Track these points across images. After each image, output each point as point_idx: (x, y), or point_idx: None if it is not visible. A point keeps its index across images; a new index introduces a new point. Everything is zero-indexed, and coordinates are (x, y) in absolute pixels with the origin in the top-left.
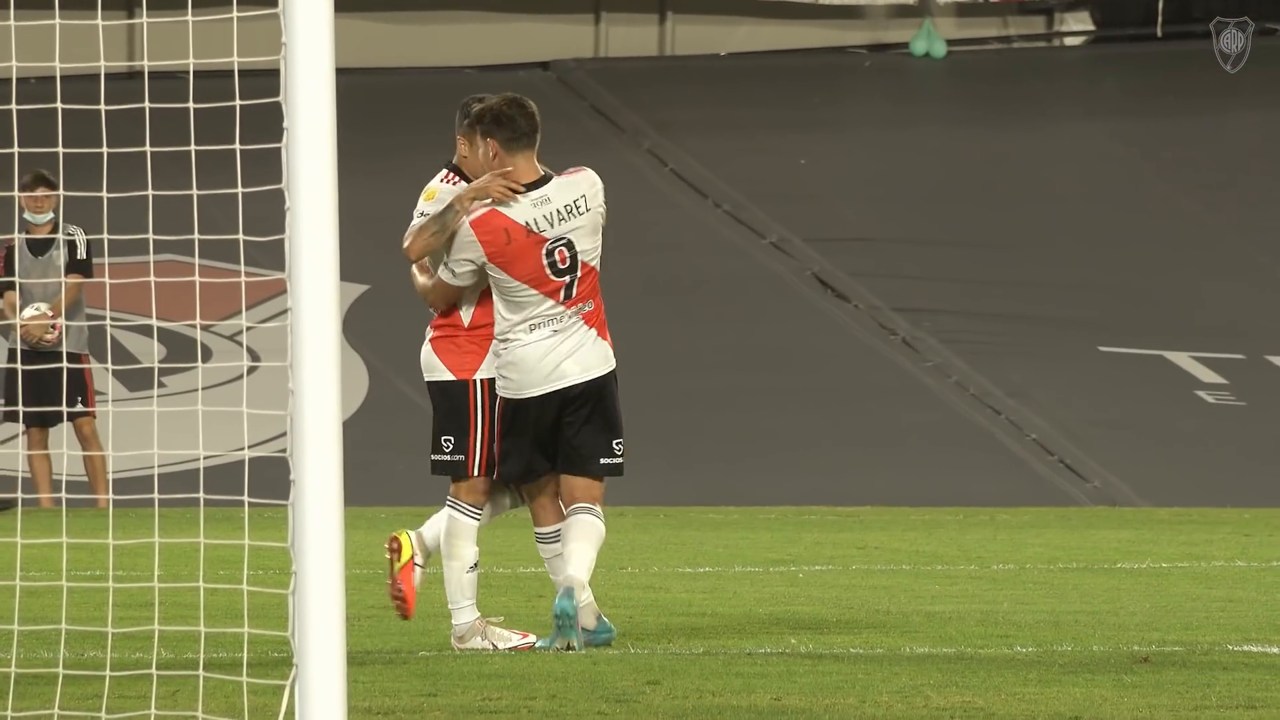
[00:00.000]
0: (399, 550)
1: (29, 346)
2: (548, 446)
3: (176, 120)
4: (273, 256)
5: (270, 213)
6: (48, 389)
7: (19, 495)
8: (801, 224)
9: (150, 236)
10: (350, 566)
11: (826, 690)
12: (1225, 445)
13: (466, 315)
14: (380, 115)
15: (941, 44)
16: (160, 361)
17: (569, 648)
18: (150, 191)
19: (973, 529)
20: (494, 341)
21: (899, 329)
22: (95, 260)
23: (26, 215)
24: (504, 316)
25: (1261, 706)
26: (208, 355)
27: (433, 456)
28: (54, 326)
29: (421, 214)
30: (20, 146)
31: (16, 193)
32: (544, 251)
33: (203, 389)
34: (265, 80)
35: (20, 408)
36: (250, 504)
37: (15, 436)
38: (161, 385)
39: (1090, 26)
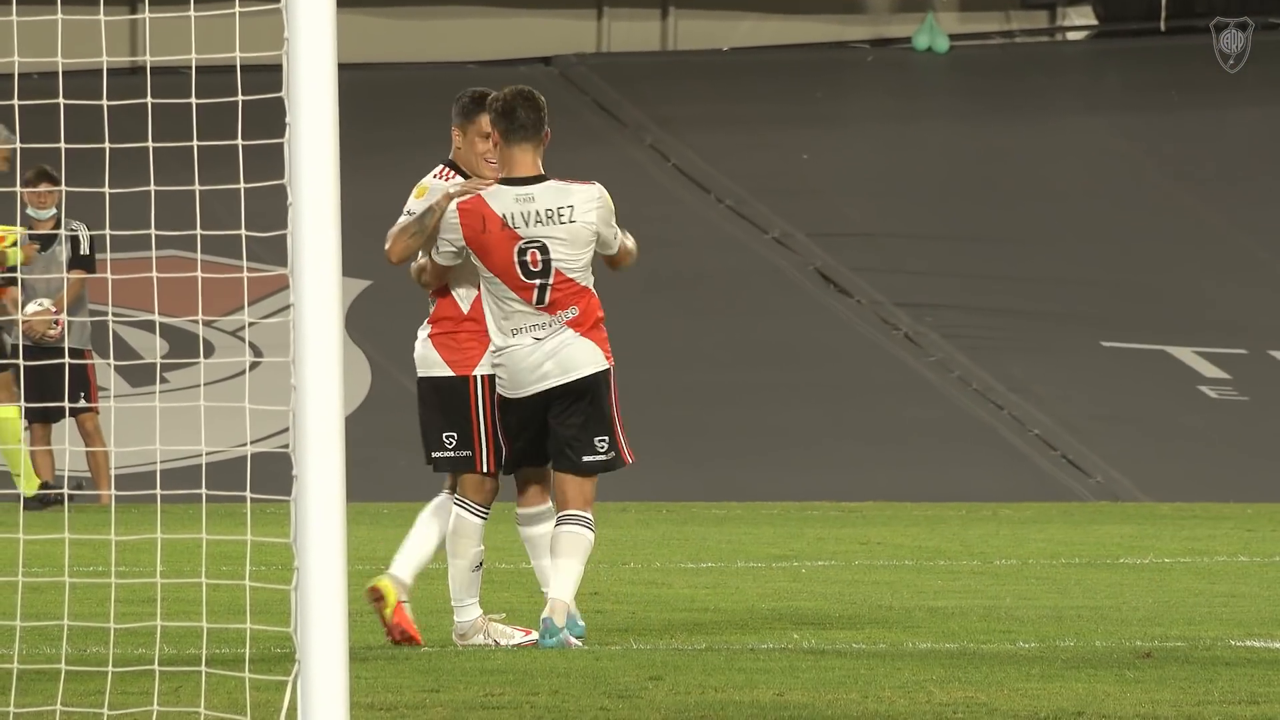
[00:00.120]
0: (382, 598)
1: (32, 342)
2: (539, 444)
3: (179, 116)
4: (275, 252)
5: (272, 208)
6: (50, 385)
7: (65, 491)
8: (804, 219)
9: (153, 232)
10: (352, 562)
11: (829, 686)
12: (1228, 440)
13: (466, 303)
14: (382, 111)
15: (944, 39)
16: (162, 357)
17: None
18: (153, 187)
19: (975, 524)
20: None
21: (901, 324)
22: (98, 256)
23: (29, 211)
24: (491, 319)
25: (1264, 702)
26: (210, 351)
27: (434, 454)
28: (57, 322)
29: (408, 212)
30: (23, 142)
31: (19, 188)
32: (516, 249)
33: (205, 385)
34: (267, 76)
35: (22, 403)
36: (252, 500)
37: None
38: (164, 381)
39: (1093, 21)
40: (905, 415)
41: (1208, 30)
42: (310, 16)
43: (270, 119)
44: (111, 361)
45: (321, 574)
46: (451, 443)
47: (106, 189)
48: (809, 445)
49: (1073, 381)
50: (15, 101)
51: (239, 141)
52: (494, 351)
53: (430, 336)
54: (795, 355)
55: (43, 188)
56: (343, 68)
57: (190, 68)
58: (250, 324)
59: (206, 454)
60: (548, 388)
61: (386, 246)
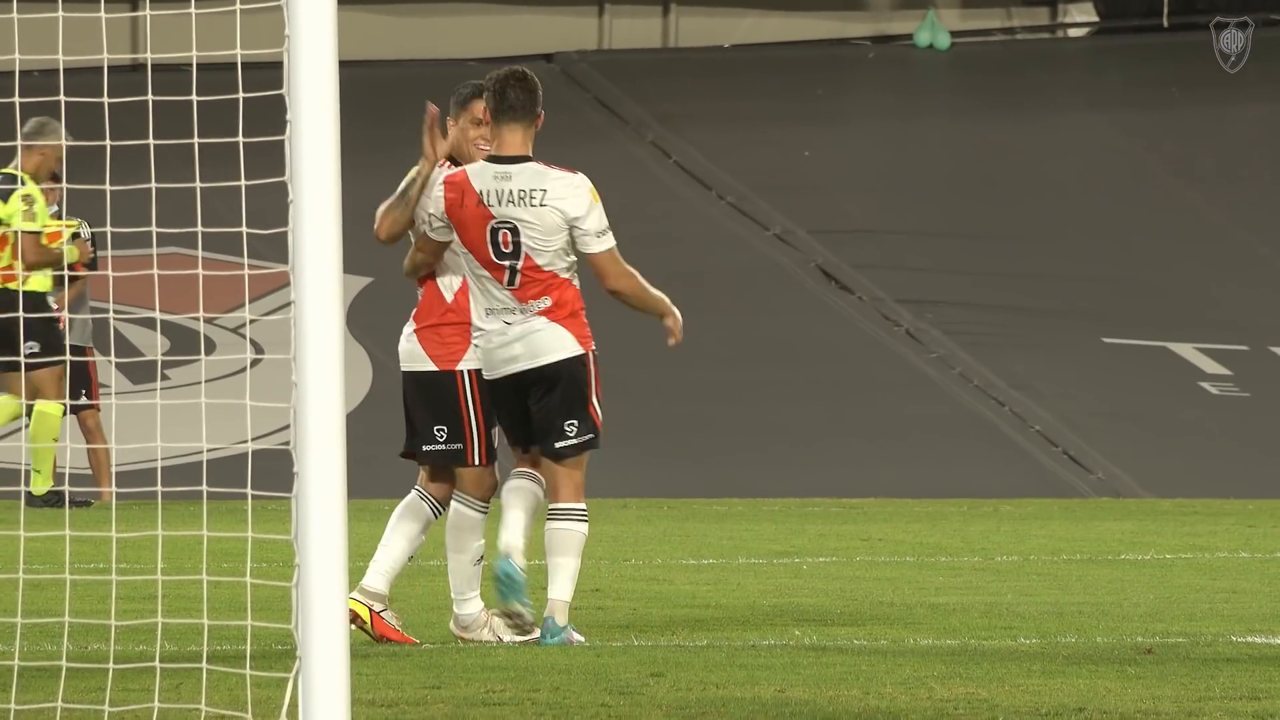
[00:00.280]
0: (357, 617)
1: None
2: (521, 425)
3: (180, 113)
4: (276, 249)
5: (273, 205)
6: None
7: (66, 493)
8: (805, 216)
9: (153, 229)
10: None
11: (830, 682)
12: (1229, 436)
13: (450, 292)
14: (383, 108)
15: (945, 35)
16: (163, 354)
17: (513, 615)
18: (153, 184)
19: (976, 521)
20: None
21: (903, 321)
22: (99, 253)
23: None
24: (472, 301)
25: (1265, 698)
26: (211, 348)
27: (425, 447)
28: (58, 320)
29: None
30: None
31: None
32: (489, 229)
33: (206, 382)
34: (268, 73)
35: (23, 400)
36: (253, 497)
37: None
38: (165, 378)
39: (1094, 18)
40: (906, 412)
41: (1209, 27)
42: (311, 13)
43: (271, 116)
44: (113, 359)
45: (322, 571)
46: (442, 436)
47: (107, 186)
48: (810, 441)
49: (1074, 378)
50: (16, 99)
51: (240, 139)
52: (474, 332)
53: (416, 332)
54: (796, 352)
55: (44, 185)
56: (343, 65)
57: (191, 65)
58: (251, 321)
59: (207, 451)
60: (518, 370)
61: (375, 226)
